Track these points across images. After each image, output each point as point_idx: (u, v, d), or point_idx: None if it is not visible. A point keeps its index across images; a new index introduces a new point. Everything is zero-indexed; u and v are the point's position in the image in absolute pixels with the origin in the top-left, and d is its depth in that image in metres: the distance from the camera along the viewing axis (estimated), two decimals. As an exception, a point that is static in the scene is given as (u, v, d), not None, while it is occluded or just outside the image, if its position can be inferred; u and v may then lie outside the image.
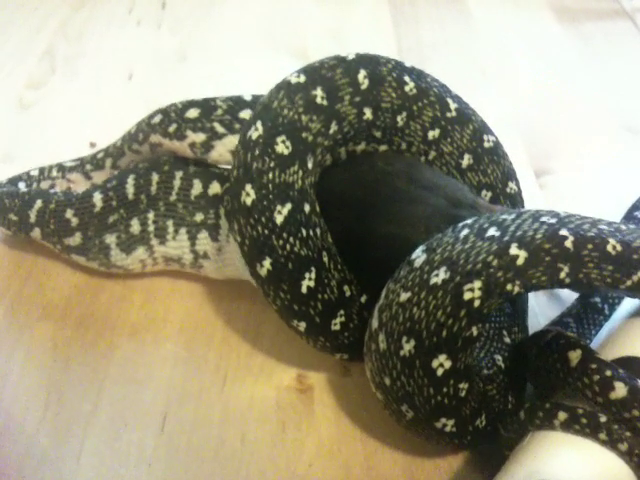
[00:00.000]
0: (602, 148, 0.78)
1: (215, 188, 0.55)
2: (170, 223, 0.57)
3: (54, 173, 0.67)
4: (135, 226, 0.57)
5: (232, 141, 0.56)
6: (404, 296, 0.43)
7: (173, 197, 0.57)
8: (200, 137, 0.57)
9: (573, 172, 0.75)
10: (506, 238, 0.42)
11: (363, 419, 0.52)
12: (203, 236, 0.56)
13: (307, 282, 0.47)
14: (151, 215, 0.57)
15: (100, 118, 0.80)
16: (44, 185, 0.67)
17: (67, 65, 0.90)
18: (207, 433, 0.51)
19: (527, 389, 0.50)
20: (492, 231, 0.43)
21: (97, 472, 0.48)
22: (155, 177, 0.57)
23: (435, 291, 0.41)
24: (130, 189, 0.57)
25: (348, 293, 0.49)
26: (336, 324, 0.49)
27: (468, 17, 1.01)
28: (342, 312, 0.49)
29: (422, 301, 0.42)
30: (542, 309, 0.59)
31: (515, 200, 0.57)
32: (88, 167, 0.67)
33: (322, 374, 0.55)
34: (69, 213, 0.58)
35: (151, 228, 0.57)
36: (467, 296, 0.41)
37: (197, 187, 0.56)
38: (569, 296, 0.58)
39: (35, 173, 0.67)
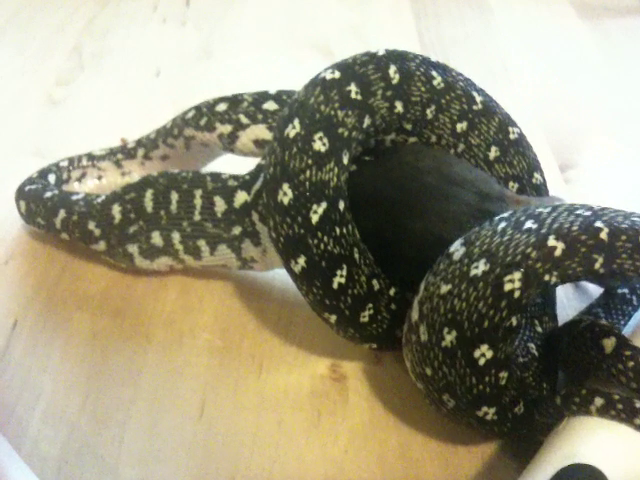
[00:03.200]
0: (625, 142, 0.79)
1: (242, 198, 0.55)
2: (202, 242, 0.57)
3: (84, 162, 0.69)
4: (156, 238, 0.58)
5: (254, 131, 0.60)
6: (445, 288, 0.44)
7: (197, 217, 0.57)
8: (227, 128, 0.60)
9: (598, 166, 0.76)
10: (544, 230, 0.43)
11: (396, 407, 0.53)
12: (246, 245, 0.56)
13: (338, 279, 0.49)
14: (176, 235, 0.58)
15: (129, 113, 0.81)
16: (75, 174, 0.68)
17: (95, 62, 0.91)
18: (244, 419, 0.52)
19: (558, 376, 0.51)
20: (529, 224, 0.44)
21: (138, 457, 0.50)
22: (175, 196, 0.57)
23: (476, 283, 0.43)
24: (149, 203, 0.58)
25: (377, 287, 0.51)
26: (365, 316, 0.50)
27: (488, 12, 1.02)
28: (371, 305, 0.50)
29: (463, 293, 0.43)
30: (570, 301, 0.60)
31: (541, 191, 0.58)
32: (119, 156, 0.68)
33: (355, 363, 0.56)
34: (91, 225, 0.60)
35: (179, 247, 0.58)
36: (507, 287, 0.42)
37: (220, 204, 0.56)
38: (596, 288, 0.60)
39: (65, 164, 0.69)
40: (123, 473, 0.49)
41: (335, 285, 0.48)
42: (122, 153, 0.68)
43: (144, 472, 0.49)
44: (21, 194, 0.65)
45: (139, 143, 0.68)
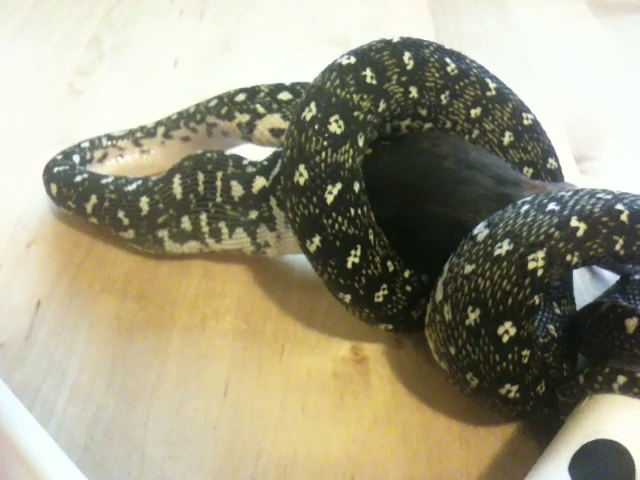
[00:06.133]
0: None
1: (260, 183, 0.57)
2: (223, 225, 0.59)
3: (104, 142, 0.70)
4: (186, 223, 0.59)
5: (270, 120, 0.62)
6: (469, 268, 0.45)
7: (219, 199, 0.58)
8: (245, 117, 0.62)
9: (614, 160, 0.77)
10: (566, 212, 0.44)
11: (418, 389, 0.54)
12: (262, 229, 0.58)
13: (352, 259, 0.49)
14: (204, 217, 0.59)
15: (148, 103, 0.82)
16: (97, 155, 0.70)
17: (114, 53, 0.92)
18: (269, 401, 0.53)
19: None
20: (552, 206, 0.45)
21: (165, 436, 0.51)
22: (201, 177, 0.59)
23: (500, 262, 0.44)
24: (177, 189, 0.59)
25: (391, 268, 0.51)
26: (379, 297, 0.51)
27: (505, 9, 1.03)
28: (385, 286, 0.51)
29: (487, 272, 0.44)
30: (587, 287, 0.61)
31: (556, 176, 0.59)
32: (138, 134, 0.70)
33: (376, 346, 0.57)
34: (121, 214, 0.61)
35: (205, 229, 0.59)
36: (531, 266, 0.43)
37: (236, 189, 0.57)
38: (612, 275, 0.60)
39: (86, 145, 0.70)
40: (150, 452, 0.50)
41: (349, 265, 0.49)
42: (141, 132, 0.70)
43: (170, 451, 0.50)
44: (51, 176, 0.66)
45: (159, 123, 0.70)
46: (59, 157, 0.68)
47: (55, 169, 0.66)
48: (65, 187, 0.64)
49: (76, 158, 0.68)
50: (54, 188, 0.65)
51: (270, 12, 1.02)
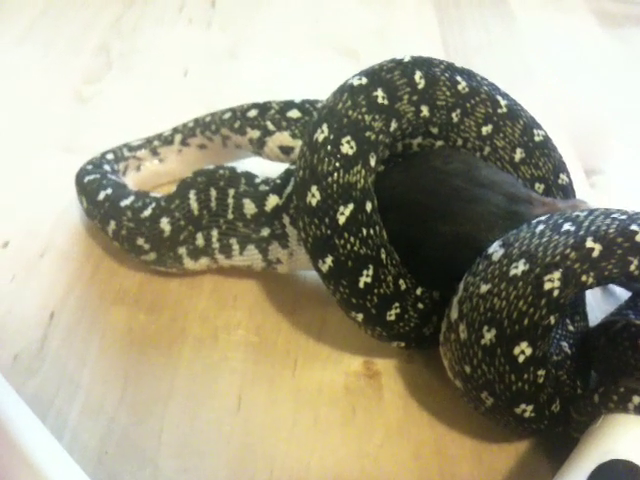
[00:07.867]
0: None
1: (273, 201, 0.57)
2: (234, 241, 0.59)
3: (125, 153, 0.70)
4: (200, 240, 0.59)
5: (279, 137, 0.62)
6: (484, 288, 0.45)
7: (230, 215, 0.58)
8: (256, 134, 0.63)
9: (624, 172, 0.77)
10: (581, 232, 0.44)
11: (430, 404, 0.54)
12: (274, 247, 0.58)
13: (364, 278, 0.50)
14: (215, 233, 0.59)
15: (157, 112, 0.82)
16: (121, 167, 0.70)
17: (122, 61, 0.91)
18: (281, 414, 0.53)
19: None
20: (567, 226, 0.45)
21: (178, 449, 0.51)
22: (213, 193, 0.59)
23: (515, 282, 0.44)
24: (194, 204, 0.59)
25: (403, 287, 0.52)
26: (391, 315, 0.52)
27: (511, 19, 1.03)
28: (397, 304, 0.51)
29: (503, 292, 0.44)
30: (598, 303, 0.61)
31: (567, 191, 0.59)
32: (156, 143, 0.70)
33: (388, 361, 0.57)
34: (140, 240, 0.60)
35: (216, 245, 0.59)
36: (547, 286, 0.43)
37: (249, 207, 0.58)
38: (624, 290, 0.61)
39: (111, 157, 0.70)
40: (163, 464, 0.50)
41: (361, 284, 0.50)
42: (158, 140, 0.70)
43: (183, 463, 0.50)
44: (82, 188, 0.65)
45: (175, 130, 0.70)
46: (89, 167, 0.68)
47: (86, 178, 0.65)
48: (91, 204, 0.64)
49: (107, 167, 0.68)
50: (84, 202, 0.65)
51: (277, 21, 1.02)
